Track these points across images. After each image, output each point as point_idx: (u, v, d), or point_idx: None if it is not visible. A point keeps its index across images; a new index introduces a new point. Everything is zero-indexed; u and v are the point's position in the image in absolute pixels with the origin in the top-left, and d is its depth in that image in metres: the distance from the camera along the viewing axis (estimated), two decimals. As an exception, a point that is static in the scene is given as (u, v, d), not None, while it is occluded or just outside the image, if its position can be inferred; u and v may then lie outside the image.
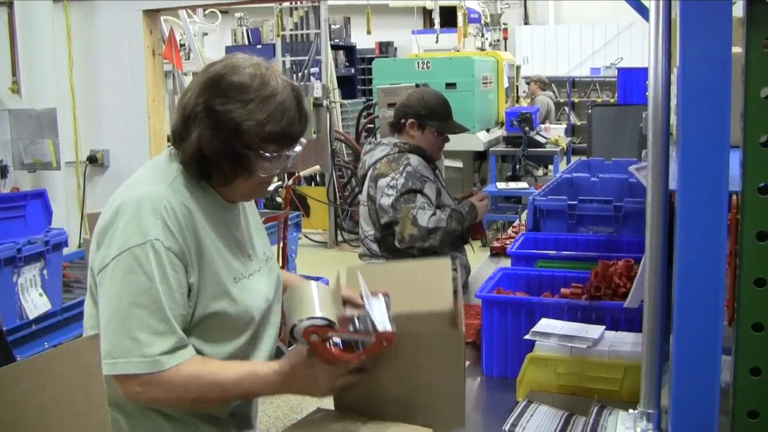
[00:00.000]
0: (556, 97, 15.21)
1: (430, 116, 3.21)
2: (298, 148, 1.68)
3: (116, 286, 1.56)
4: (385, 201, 3.07)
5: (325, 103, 8.21)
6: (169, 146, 1.75)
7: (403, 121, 3.25)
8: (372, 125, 8.90)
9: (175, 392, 1.58)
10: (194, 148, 1.62)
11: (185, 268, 1.60)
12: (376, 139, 3.40)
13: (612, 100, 13.45)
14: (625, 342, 1.90)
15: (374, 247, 3.22)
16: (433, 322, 1.68)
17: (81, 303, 1.69)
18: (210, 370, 1.61)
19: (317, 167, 7.00)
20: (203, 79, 1.64)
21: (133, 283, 1.55)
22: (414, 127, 3.23)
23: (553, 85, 15.04)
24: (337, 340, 1.60)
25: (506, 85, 9.80)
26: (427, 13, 15.38)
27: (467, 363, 2.26)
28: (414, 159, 3.15)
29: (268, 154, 1.62)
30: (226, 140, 1.59)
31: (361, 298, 1.66)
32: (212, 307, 1.65)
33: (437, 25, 10.60)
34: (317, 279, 5.11)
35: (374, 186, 3.16)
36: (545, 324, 1.99)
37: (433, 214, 3.01)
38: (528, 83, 11.12)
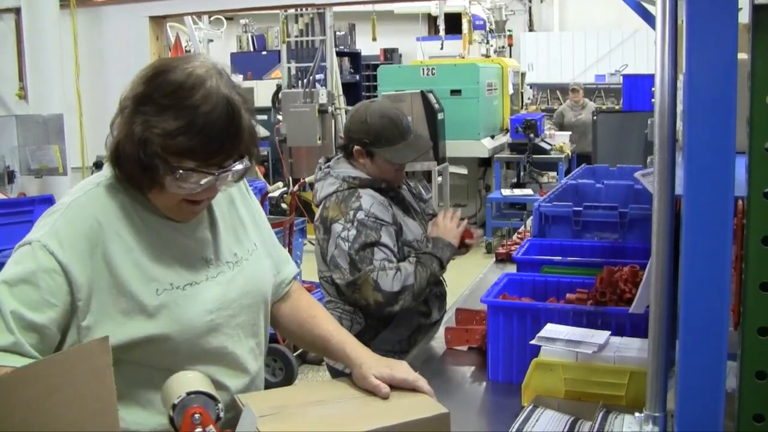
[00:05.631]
0: (561, 104, 15.22)
1: (376, 143, 2.61)
2: (238, 167, 1.51)
3: None
4: (338, 255, 2.52)
5: (330, 109, 8.25)
6: None
7: (350, 146, 2.67)
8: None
9: None
10: (114, 146, 1.52)
11: (69, 283, 1.45)
12: (327, 165, 2.74)
13: (617, 107, 13.44)
14: (630, 347, 1.90)
15: (332, 291, 2.65)
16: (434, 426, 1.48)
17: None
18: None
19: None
20: (143, 72, 1.53)
21: None
22: (362, 155, 2.64)
23: (557, 92, 15.06)
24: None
25: (511, 91, 9.84)
26: (432, 20, 15.39)
27: (473, 368, 2.28)
28: (366, 199, 2.56)
29: (180, 171, 1.45)
30: (136, 145, 1.46)
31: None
32: (128, 325, 1.49)
33: (442, 32, 10.61)
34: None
35: (322, 228, 2.61)
36: (551, 329, 1.99)
37: (397, 270, 2.47)
38: (574, 90, 10.96)
